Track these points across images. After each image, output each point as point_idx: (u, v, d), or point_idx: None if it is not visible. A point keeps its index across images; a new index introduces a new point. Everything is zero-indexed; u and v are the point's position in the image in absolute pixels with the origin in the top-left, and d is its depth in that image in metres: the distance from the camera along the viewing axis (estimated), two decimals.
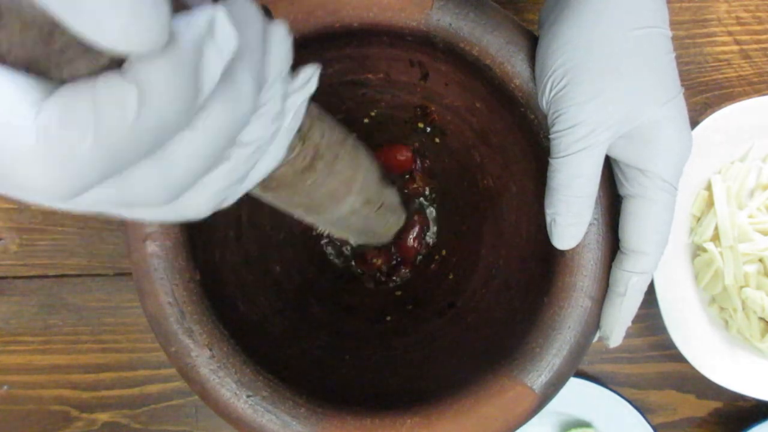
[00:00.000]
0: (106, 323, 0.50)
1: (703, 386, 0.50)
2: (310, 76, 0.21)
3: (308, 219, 0.32)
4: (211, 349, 0.33)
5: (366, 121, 0.44)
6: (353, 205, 0.32)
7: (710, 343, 0.48)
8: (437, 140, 0.44)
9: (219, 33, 0.15)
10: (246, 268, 0.40)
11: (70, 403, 0.51)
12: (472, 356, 0.37)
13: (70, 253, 0.50)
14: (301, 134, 0.25)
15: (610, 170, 0.33)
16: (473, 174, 0.44)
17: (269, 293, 0.42)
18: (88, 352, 0.50)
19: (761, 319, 0.48)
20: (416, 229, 0.47)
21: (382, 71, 0.39)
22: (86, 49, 0.13)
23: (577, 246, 0.33)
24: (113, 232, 0.50)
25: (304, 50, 0.35)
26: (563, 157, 0.31)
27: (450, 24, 0.33)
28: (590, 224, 0.32)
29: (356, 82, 0.40)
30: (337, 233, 0.33)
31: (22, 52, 0.13)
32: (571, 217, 0.31)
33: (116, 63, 0.14)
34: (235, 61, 0.16)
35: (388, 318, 0.46)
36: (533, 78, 0.33)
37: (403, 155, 0.46)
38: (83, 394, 0.51)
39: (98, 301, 0.50)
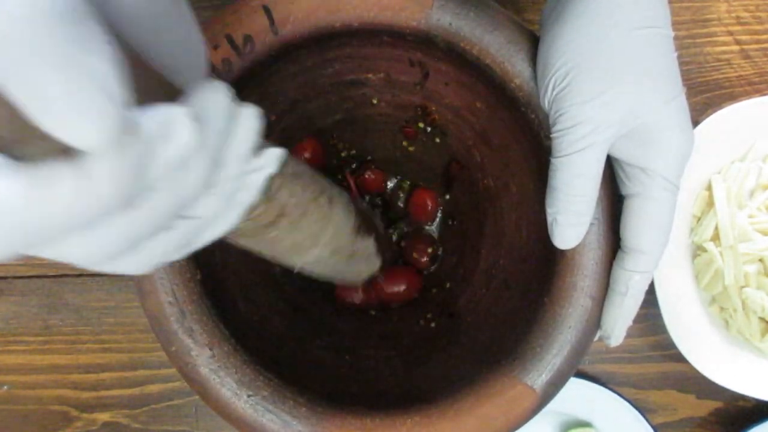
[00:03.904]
0: (106, 323, 0.50)
1: (703, 386, 0.50)
2: (273, 159, 0.22)
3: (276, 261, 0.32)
4: (211, 349, 0.33)
5: (366, 120, 0.44)
6: (319, 255, 0.32)
7: (710, 343, 0.48)
8: (437, 140, 0.44)
9: (176, 131, 0.16)
10: (246, 268, 0.40)
11: (70, 403, 0.51)
12: (473, 356, 0.37)
13: None
14: (268, 194, 0.25)
15: (611, 169, 0.33)
16: (473, 174, 0.44)
17: (269, 293, 0.42)
18: (88, 352, 0.50)
19: (761, 319, 0.48)
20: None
21: (382, 71, 0.39)
22: (44, 135, 0.14)
23: (578, 245, 0.33)
24: None
25: (304, 50, 0.35)
26: (565, 156, 0.31)
27: (450, 23, 0.33)
28: (591, 224, 0.32)
29: (356, 82, 0.40)
30: (308, 272, 0.34)
31: None
32: (572, 217, 0.31)
33: (68, 149, 0.15)
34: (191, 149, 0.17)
35: (388, 318, 0.46)
36: (534, 77, 0.33)
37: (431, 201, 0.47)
38: (83, 394, 0.51)
39: (98, 301, 0.50)
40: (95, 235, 0.17)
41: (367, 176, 0.47)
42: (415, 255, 0.47)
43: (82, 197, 0.15)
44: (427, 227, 0.49)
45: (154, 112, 0.16)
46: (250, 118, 0.20)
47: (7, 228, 0.15)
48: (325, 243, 0.32)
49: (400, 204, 0.49)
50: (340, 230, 0.33)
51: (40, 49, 0.13)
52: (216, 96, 0.19)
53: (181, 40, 0.20)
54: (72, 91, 0.14)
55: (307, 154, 0.44)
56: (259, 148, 0.21)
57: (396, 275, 0.46)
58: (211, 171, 0.18)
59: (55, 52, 0.13)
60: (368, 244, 0.37)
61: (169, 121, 0.16)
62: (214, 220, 0.20)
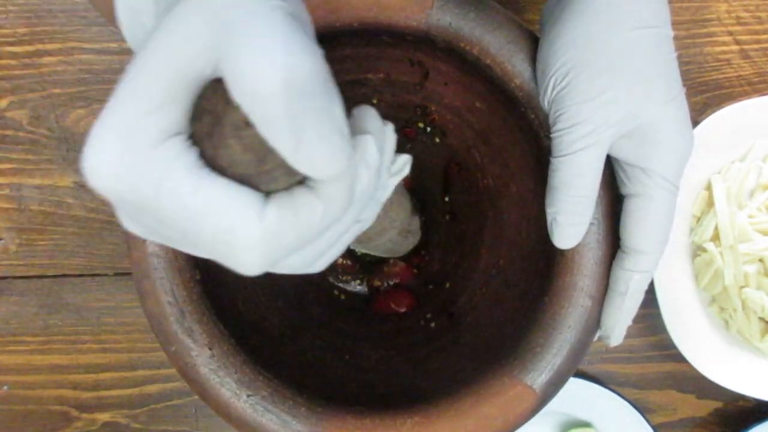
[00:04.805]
0: (106, 323, 0.50)
1: (703, 386, 0.50)
2: (405, 163, 0.25)
3: (352, 246, 0.36)
4: (211, 349, 0.33)
5: None
6: (391, 236, 0.37)
7: (710, 343, 0.48)
8: (437, 140, 0.44)
9: (369, 156, 0.21)
10: None
11: (70, 403, 0.51)
12: (472, 356, 0.37)
13: (70, 253, 0.50)
14: None
15: (610, 169, 0.33)
16: (473, 174, 0.44)
17: (269, 293, 0.42)
18: (88, 352, 0.50)
19: (761, 319, 0.48)
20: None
21: (382, 71, 0.39)
22: (288, 171, 0.18)
23: (578, 245, 0.33)
24: (113, 232, 0.50)
25: None
26: (565, 155, 0.31)
27: (450, 23, 0.33)
28: (591, 223, 0.32)
29: (356, 82, 0.40)
30: (370, 252, 0.40)
31: (240, 169, 0.18)
32: (572, 216, 0.31)
33: (303, 180, 0.19)
34: None
35: (388, 317, 0.46)
36: (534, 77, 0.33)
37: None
38: (83, 394, 0.51)
39: (98, 301, 0.50)
40: (314, 246, 0.21)
41: None
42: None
43: (323, 216, 0.19)
44: None
45: (357, 142, 0.20)
46: (391, 133, 0.24)
47: (271, 248, 0.18)
48: (397, 225, 0.36)
49: None
50: (406, 213, 0.37)
51: (311, 104, 0.17)
52: (375, 119, 0.22)
53: None
54: (323, 136, 0.17)
55: None
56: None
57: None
58: (377, 184, 0.22)
59: (319, 107, 0.17)
60: (417, 221, 0.42)
61: (366, 149, 0.21)
62: (368, 219, 0.24)
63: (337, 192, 0.19)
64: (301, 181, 0.19)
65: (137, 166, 0.17)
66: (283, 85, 0.16)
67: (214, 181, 0.17)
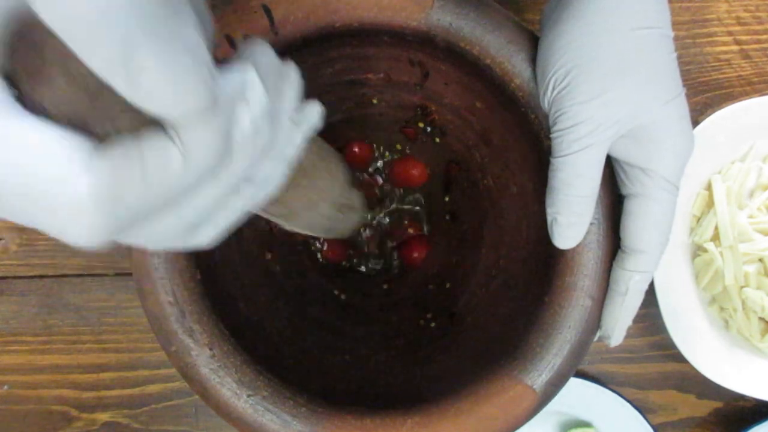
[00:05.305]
0: (106, 323, 0.50)
1: (703, 386, 0.50)
2: (314, 112, 0.21)
3: (279, 222, 0.32)
4: (211, 349, 0.33)
5: (366, 120, 0.44)
6: (325, 211, 0.33)
7: (710, 343, 0.48)
8: (437, 140, 0.44)
9: (251, 94, 0.16)
10: (246, 268, 0.40)
11: (70, 403, 0.51)
12: (473, 356, 0.37)
13: (70, 253, 0.50)
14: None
15: (611, 170, 0.33)
16: (473, 174, 0.44)
17: (269, 293, 0.42)
18: (88, 352, 0.50)
19: (761, 319, 0.48)
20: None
21: (382, 71, 0.39)
22: (130, 108, 0.14)
23: (578, 246, 0.33)
24: None
25: (304, 50, 0.35)
26: (565, 156, 0.31)
27: (450, 23, 0.33)
28: (591, 224, 0.32)
29: (356, 82, 0.40)
30: (303, 232, 0.35)
31: (66, 108, 0.14)
32: (572, 217, 0.31)
33: (156, 120, 0.14)
34: None
35: (388, 318, 0.46)
36: (534, 78, 0.33)
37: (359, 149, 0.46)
38: (83, 394, 0.51)
39: (98, 301, 0.50)
40: (180, 210, 0.16)
41: (356, 150, 0.47)
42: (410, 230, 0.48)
43: (183, 169, 0.15)
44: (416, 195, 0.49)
45: (231, 75, 0.16)
46: (293, 74, 0.20)
47: (108, 210, 0.14)
48: (330, 198, 0.32)
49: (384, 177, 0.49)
50: (340, 184, 0.33)
51: (147, 22, 0.13)
52: (268, 53, 0.18)
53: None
54: (169, 61, 0.13)
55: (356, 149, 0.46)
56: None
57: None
58: (272, 135, 0.18)
59: (161, 24, 0.13)
60: (358, 196, 0.38)
61: (246, 84, 0.16)
62: (268, 180, 0.20)
63: (202, 137, 0.15)
64: (155, 123, 0.15)
65: None
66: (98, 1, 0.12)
67: (25, 124, 0.14)
